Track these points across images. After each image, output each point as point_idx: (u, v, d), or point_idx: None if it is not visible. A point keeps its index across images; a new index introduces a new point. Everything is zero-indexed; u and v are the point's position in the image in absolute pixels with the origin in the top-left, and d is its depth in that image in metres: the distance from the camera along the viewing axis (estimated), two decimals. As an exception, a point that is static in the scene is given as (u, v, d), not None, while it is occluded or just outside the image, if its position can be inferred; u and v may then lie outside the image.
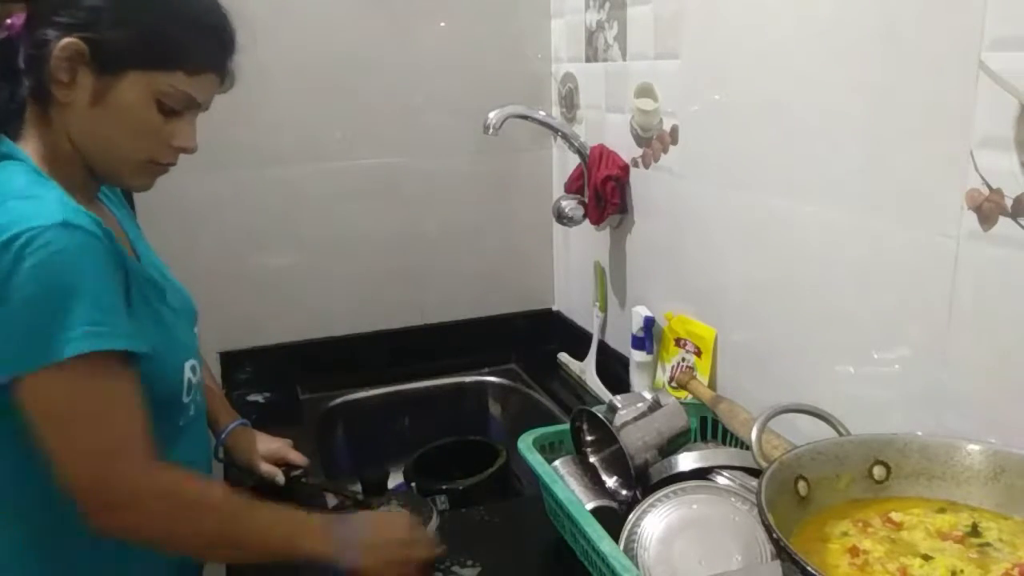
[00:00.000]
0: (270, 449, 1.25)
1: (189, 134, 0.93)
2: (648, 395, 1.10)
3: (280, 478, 1.23)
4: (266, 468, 1.23)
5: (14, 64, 0.88)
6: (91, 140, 0.89)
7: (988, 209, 0.83)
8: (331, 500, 1.23)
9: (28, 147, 0.90)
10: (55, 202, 0.83)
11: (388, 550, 0.95)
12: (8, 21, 0.90)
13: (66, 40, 0.84)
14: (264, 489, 1.21)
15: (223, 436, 1.23)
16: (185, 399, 0.98)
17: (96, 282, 0.82)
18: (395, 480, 1.38)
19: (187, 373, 0.97)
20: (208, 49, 0.90)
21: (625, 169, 1.53)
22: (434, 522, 1.07)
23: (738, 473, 0.99)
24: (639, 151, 1.49)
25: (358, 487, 1.25)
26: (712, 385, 1.32)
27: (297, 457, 1.26)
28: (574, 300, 1.87)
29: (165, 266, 1.08)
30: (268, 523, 0.91)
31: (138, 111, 0.88)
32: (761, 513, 0.69)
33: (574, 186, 1.64)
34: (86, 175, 0.93)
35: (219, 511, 0.89)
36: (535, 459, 1.08)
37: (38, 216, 0.80)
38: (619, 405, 1.07)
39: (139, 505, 0.85)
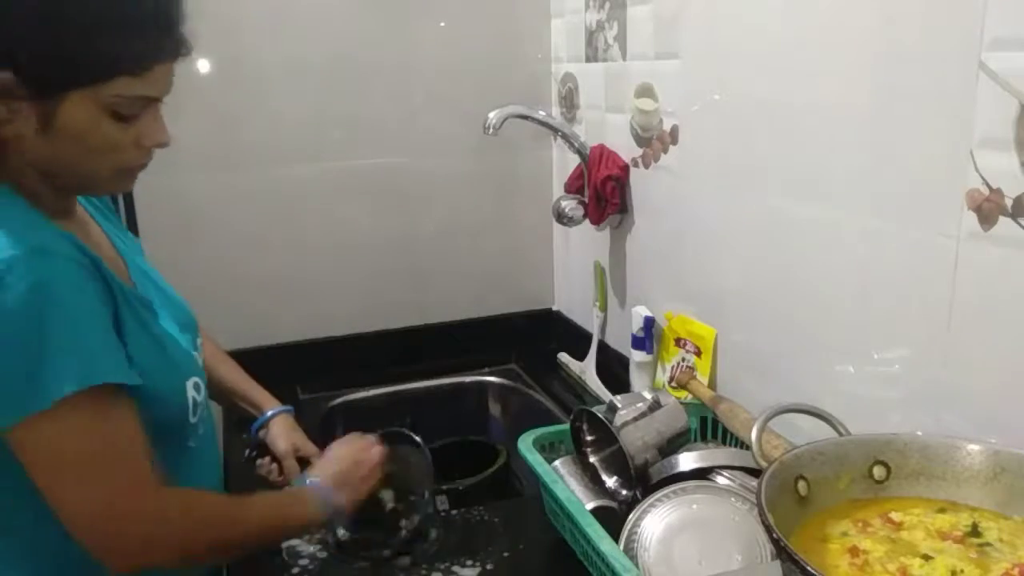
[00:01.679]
0: (299, 446, 1.20)
1: (157, 130, 0.87)
2: (648, 395, 1.10)
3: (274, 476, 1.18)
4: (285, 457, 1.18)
5: None
6: (54, 166, 0.84)
7: (988, 209, 0.83)
8: None
9: (12, 185, 0.84)
10: (26, 227, 0.79)
11: (351, 477, 1.04)
12: None
13: None
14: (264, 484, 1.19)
15: (262, 422, 1.21)
16: (192, 419, 0.95)
17: (78, 314, 0.78)
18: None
19: (191, 392, 0.94)
20: (145, 44, 0.82)
21: (625, 169, 1.53)
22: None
23: (738, 473, 0.99)
24: (639, 151, 1.49)
25: None
26: (712, 385, 1.32)
27: None
28: (574, 300, 1.87)
29: (161, 277, 1.06)
30: (262, 518, 0.94)
31: (93, 129, 0.81)
32: (761, 513, 0.69)
33: (574, 186, 1.64)
34: (56, 195, 0.88)
35: (221, 523, 0.90)
36: (535, 459, 1.08)
37: (8, 245, 0.75)
38: (619, 405, 1.07)
39: (152, 543, 0.84)
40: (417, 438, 1.15)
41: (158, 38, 0.83)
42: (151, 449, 0.84)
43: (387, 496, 1.10)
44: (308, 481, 1.02)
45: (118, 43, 0.80)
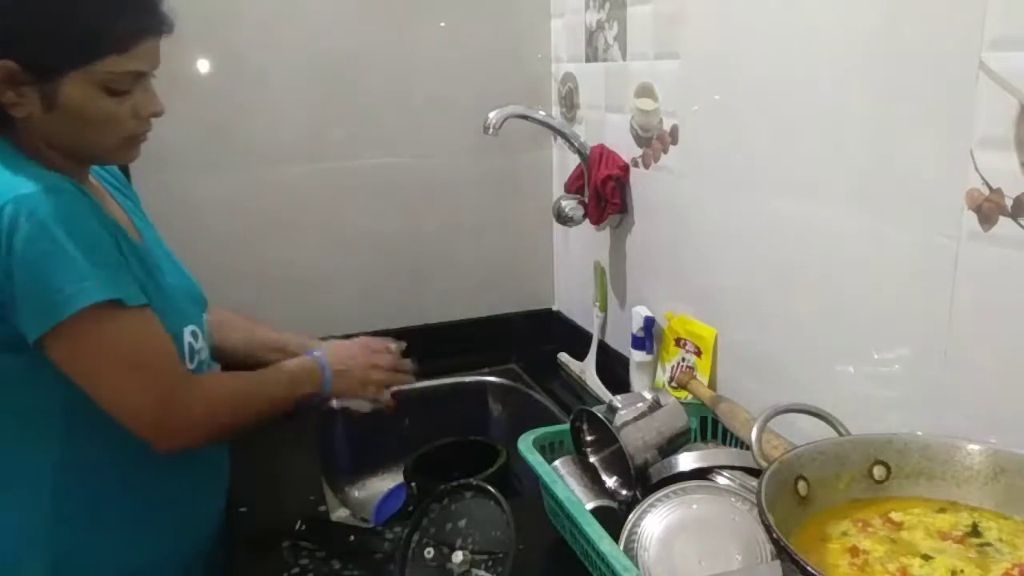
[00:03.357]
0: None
1: (150, 100, 0.96)
2: (648, 395, 1.10)
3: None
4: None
5: None
6: (62, 140, 0.93)
7: (988, 209, 0.83)
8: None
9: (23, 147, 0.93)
10: (36, 174, 0.88)
11: (354, 366, 1.19)
12: None
13: None
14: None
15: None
16: (189, 365, 1.02)
17: (89, 239, 0.87)
18: (395, 480, 1.38)
19: (187, 338, 1.02)
20: (128, 22, 0.90)
21: (625, 169, 1.53)
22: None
23: (738, 473, 0.99)
24: (639, 151, 1.49)
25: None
26: (712, 385, 1.32)
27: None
28: (574, 300, 1.87)
29: (172, 255, 1.14)
30: (275, 388, 1.09)
31: (90, 105, 0.90)
32: (761, 513, 0.69)
33: (574, 186, 1.64)
34: (70, 166, 0.96)
35: (238, 402, 1.04)
36: (535, 459, 1.08)
37: (23, 185, 0.85)
38: (619, 405, 1.07)
39: (196, 423, 0.97)
40: (493, 490, 1.01)
41: (139, 16, 0.91)
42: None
43: (457, 558, 0.99)
44: (314, 354, 1.15)
45: (104, 25, 0.89)
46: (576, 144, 1.58)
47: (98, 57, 0.89)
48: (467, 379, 1.76)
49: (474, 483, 1.03)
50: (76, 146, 0.95)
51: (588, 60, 1.63)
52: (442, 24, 1.71)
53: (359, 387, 1.20)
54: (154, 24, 0.92)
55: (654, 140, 1.43)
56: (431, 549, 1.01)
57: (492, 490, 1.00)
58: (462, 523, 1.01)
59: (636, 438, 1.04)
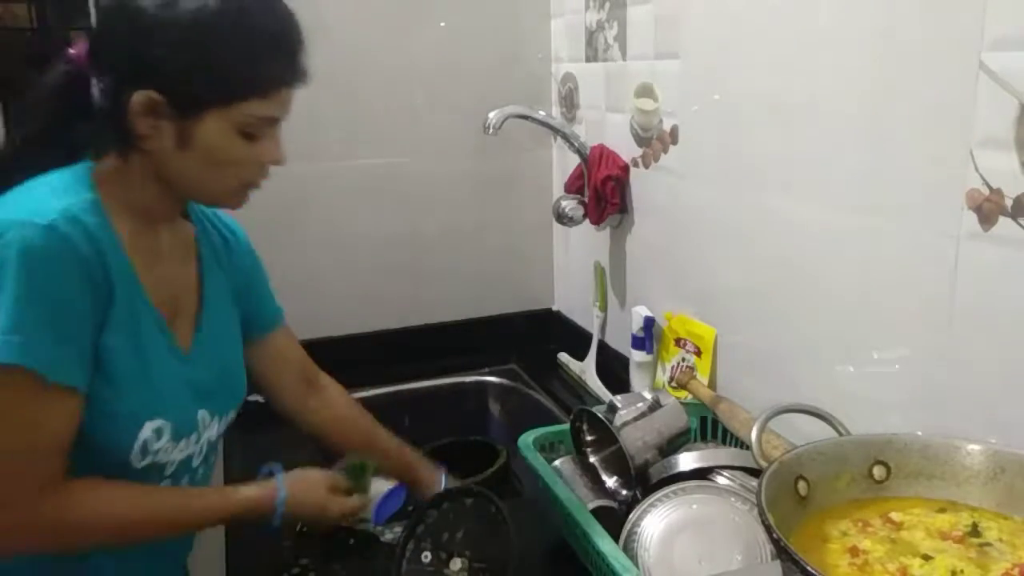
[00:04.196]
0: None
1: (275, 149, 0.94)
2: (648, 395, 1.10)
3: None
4: None
5: (87, 97, 0.88)
6: (183, 179, 0.90)
7: (988, 209, 0.83)
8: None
9: (101, 170, 0.90)
10: (66, 204, 0.82)
11: (306, 510, 1.00)
12: (71, 51, 0.89)
13: (141, 93, 0.83)
14: None
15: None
16: (136, 463, 0.88)
17: (42, 291, 0.79)
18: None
19: (146, 432, 0.88)
20: (275, 69, 0.89)
21: (625, 169, 1.53)
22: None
23: (738, 473, 0.99)
24: (639, 151, 1.49)
25: None
26: (712, 385, 1.32)
27: None
28: (574, 300, 1.87)
29: (236, 347, 1.06)
30: (177, 518, 0.92)
31: (224, 146, 0.88)
32: (761, 513, 0.69)
33: (574, 186, 1.64)
34: (167, 204, 0.94)
35: (117, 522, 0.88)
36: (535, 459, 1.08)
37: (35, 211, 0.80)
38: (619, 405, 1.07)
39: (26, 535, 0.84)
40: (495, 498, 1.00)
41: (285, 65, 0.89)
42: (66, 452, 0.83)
43: (455, 565, 0.99)
44: (278, 488, 0.97)
45: (253, 67, 0.87)
46: (576, 144, 1.58)
47: (242, 99, 0.86)
48: (467, 379, 1.76)
49: (475, 489, 1.03)
50: (194, 186, 0.92)
51: (588, 60, 1.63)
52: (442, 24, 1.71)
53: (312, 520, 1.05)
54: (297, 74, 0.90)
55: (654, 140, 1.43)
56: (428, 554, 1.01)
57: (494, 498, 1.00)
58: (461, 531, 1.01)
59: (636, 438, 1.04)
